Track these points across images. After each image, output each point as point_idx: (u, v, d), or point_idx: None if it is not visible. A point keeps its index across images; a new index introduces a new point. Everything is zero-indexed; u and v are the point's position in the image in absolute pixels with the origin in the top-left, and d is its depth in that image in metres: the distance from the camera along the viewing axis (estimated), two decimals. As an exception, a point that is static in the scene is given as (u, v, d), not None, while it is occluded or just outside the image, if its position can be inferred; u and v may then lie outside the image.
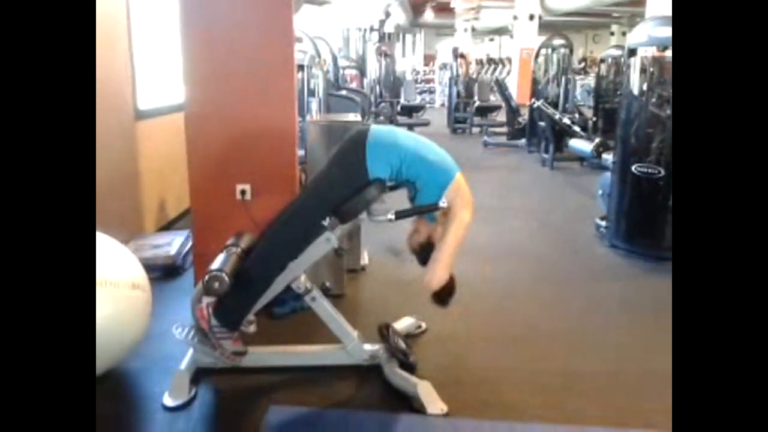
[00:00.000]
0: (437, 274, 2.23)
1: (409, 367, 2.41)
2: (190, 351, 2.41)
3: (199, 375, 2.39)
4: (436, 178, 2.23)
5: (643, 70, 3.93)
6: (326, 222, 2.26)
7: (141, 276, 2.40)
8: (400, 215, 2.26)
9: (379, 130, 2.30)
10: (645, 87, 3.92)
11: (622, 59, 7.80)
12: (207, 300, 2.28)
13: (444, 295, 2.31)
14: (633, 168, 3.94)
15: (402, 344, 2.51)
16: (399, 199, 2.36)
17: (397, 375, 2.34)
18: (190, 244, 3.65)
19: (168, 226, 4.44)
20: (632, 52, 4.00)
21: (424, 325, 2.87)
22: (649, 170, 3.85)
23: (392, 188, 2.35)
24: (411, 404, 2.23)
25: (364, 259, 3.71)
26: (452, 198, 2.21)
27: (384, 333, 2.48)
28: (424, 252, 2.37)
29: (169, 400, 2.22)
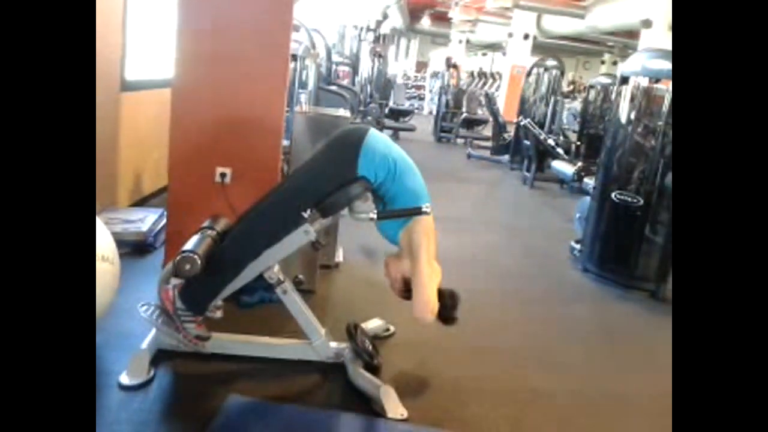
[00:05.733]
0: (423, 306, 2.24)
1: (374, 369, 2.39)
2: (153, 331, 2.36)
3: (159, 356, 2.33)
4: (408, 197, 2.24)
5: (632, 100, 3.98)
6: (306, 214, 2.23)
7: (111, 249, 2.34)
8: (382, 215, 2.24)
9: (377, 135, 2.28)
10: (633, 116, 3.97)
11: (611, 87, 7.91)
12: (174, 281, 2.23)
13: (447, 314, 2.33)
14: (613, 195, 3.98)
15: (369, 345, 2.49)
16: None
17: (360, 376, 2.32)
18: (163, 222, 3.58)
19: (142, 202, 4.35)
20: (624, 80, 4.04)
21: (392, 329, 2.86)
22: (629, 199, 3.90)
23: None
24: (371, 407, 2.21)
25: (339, 257, 3.68)
26: (417, 226, 2.24)
27: (352, 332, 2.46)
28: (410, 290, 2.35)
29: (126, 379, 2.17)
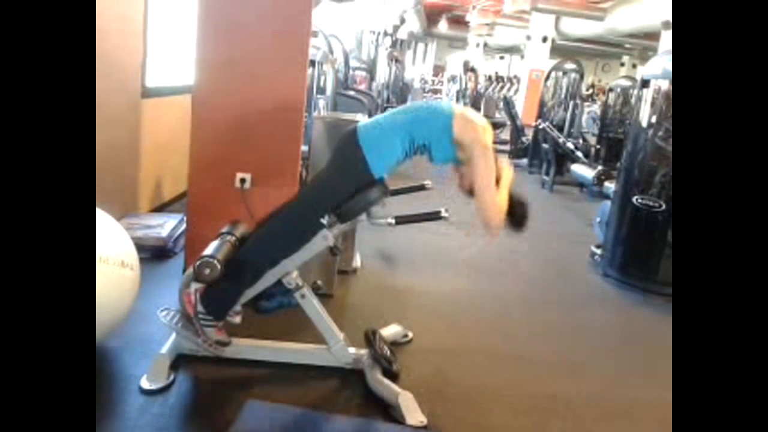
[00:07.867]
0: (490, 217, 2.20)
1: (392, 376, 2.37)
2: (173, 336, 2.37)
3: (179, 361, 2.35)
4: (436, 126, 2.21)
5: (653, 103, 3.93)
6: (325, 220, 2.23)
7: (131, 255, 2.36)
8: (401, 221, 2.23)
9: (364, 125, 2.28)
10: (654, 120, 3.92)
11: (631, 90, 7.83)
12: (195, 286, 2.25)
13: (517, 220, 2.32)
14: (634, 199, 3.93)
15: (387, 351, 2.48)
16: (400, 205, 2.33)
17: (379, 382, 2.31)
18: (182, 228, 3.61)
19: (162, 208, 4.40)
20: (645, 84, 3.99)
21: (410, 335, 2.84)
22: (650, 203, 3.85)
23: (394, 193, 2.33)
24: (390, 413, 2.20)
25: (357, 262, 3.68)
26: (461, 133, 2.19)
27: (370, 338, 2.45)
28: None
29: (146, 383, 2.18)
